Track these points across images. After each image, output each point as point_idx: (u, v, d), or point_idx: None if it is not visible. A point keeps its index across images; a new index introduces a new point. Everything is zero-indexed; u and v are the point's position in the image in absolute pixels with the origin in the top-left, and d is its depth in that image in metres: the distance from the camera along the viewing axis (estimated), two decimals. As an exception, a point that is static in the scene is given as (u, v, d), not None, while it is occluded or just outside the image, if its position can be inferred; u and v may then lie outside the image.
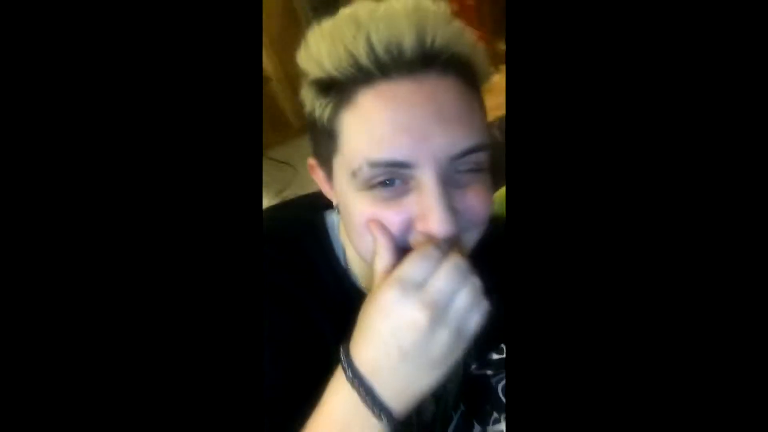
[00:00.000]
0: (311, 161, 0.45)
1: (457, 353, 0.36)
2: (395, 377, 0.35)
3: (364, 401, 0.35)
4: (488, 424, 0.58)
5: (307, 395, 0.38)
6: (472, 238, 0.41)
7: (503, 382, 0.59)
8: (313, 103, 0.40)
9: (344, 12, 0.38)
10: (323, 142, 0.41)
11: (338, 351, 0.38)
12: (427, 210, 0.36)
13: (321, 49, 0.37)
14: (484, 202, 0.39)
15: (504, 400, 0.58)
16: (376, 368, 0.35)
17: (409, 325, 0.34)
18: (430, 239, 0.36)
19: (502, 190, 0.73)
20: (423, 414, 0.54)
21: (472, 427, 0.60)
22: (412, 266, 0.35)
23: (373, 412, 0.35)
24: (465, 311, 0.35)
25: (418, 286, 0.34)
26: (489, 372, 0.61)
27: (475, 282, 0.35)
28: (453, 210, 0.37)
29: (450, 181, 0.37)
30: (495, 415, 0.58)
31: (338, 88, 0.38)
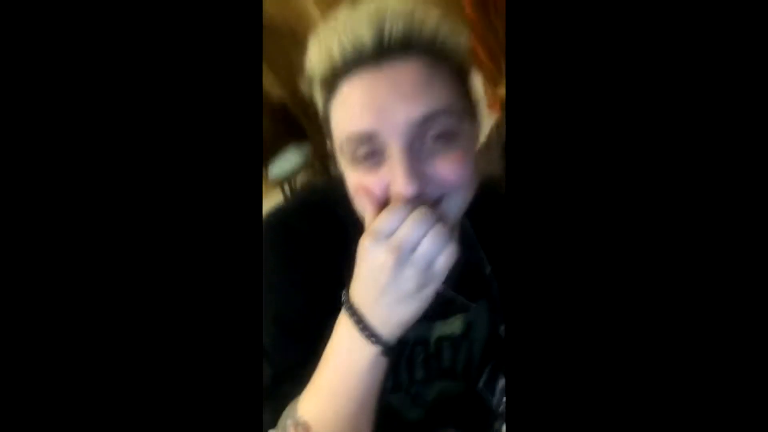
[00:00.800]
0: (329, 147, 0.55)
1: (429, 288, 0.43)
2: (379, 308, 0.44)
3: (357, 328, 0.44)
4: (510, 375, 0.64)
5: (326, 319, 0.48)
6: (454, 204, 0.47)
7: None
8: (316, 98, 0.50)
9: (328, 22, 0.47)
10: (325, 128, 0.50)
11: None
12: (395, 174, 0.43)
13: (313, 55, 0.47)
14: (455, 167, 0.45)
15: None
16: (363, 302, 0.44)
17: (379, 267, 0.42)
18: (402, 198, 0.44)
19: None
20: (443, 361, 0.62)
21: (498, 378, 0.66)
22: (381, 220, 0.43)
23: (366, 336, 0.44)
24: (429, 253, 0.42)
25: (388, 235, 0.42)
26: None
27: (439, 229, 0.42)
28: (420, 174, 0.44)
29: (420, 149, 0.44)
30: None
31: (328, 84, 0.47)
